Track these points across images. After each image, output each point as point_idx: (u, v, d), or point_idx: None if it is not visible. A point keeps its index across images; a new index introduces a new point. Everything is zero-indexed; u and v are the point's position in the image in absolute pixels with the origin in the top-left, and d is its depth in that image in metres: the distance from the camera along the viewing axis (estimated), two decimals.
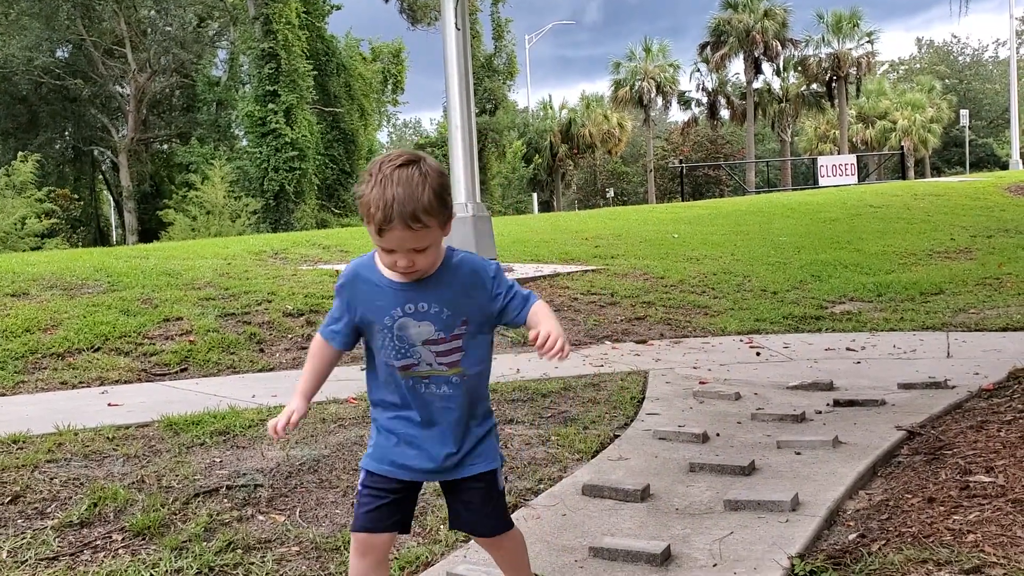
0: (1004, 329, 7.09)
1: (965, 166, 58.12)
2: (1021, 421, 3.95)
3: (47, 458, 3.88)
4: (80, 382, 5.69)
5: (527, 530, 3.33)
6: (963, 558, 2.64)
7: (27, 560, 2.98)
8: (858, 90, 53.23)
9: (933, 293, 9.17)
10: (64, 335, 6.47)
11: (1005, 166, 39.27)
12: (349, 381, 5.73)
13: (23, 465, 3.78)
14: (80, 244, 37.74)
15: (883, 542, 2.93)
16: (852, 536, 3.08)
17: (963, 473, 3.38)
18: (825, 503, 3.37)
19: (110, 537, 3.17)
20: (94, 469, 3.81)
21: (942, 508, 3.07)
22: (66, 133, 44.92)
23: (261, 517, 3.39)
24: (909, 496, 3.30)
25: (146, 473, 3.76)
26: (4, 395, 5.42)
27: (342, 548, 3.14)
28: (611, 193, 60.06)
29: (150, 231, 39.17)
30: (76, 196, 42.86)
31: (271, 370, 6.24)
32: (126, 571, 2.90)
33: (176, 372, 6.07)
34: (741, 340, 7.22)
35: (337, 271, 9.41)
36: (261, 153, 37.35)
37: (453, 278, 2.23)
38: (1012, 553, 2.63)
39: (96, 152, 46.50)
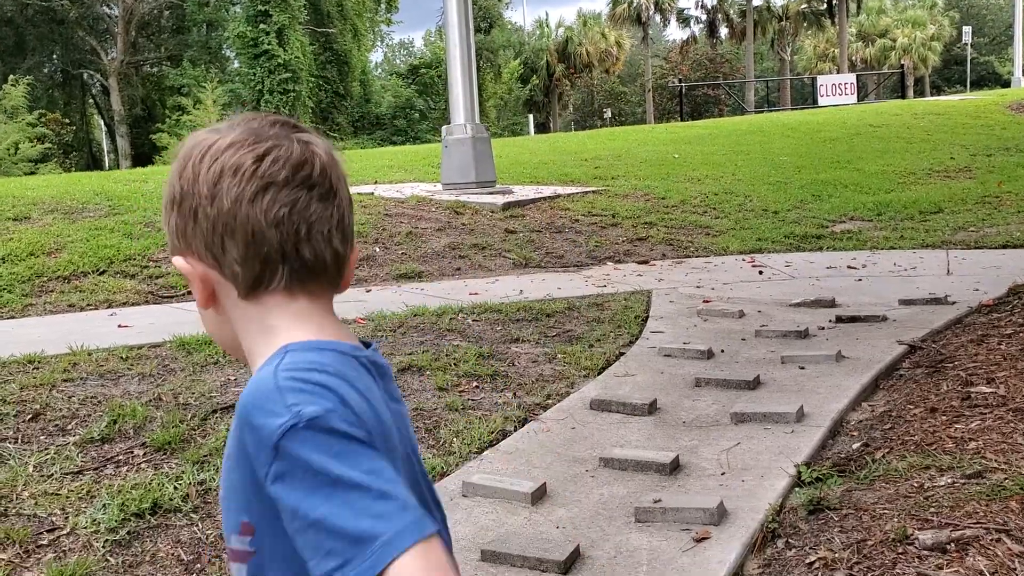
0: (1004, 246, 7.13)
1: (966, 85, 57.46)
2: (1021, 334, 4.02)
3: (63, 377, 3.94)
4: (88, 304, 5.73)
5: (538, 442, 3.41)
6: (965, 464, 2.72)
7: (52, 475, 3.06)
8: (858, 7, 52.26)
9: (933, 212, 9.19)
10: (69, 258, 6.49)
11: (1006, 84, 38.83)
12: (357, 302, 5.79)
13: (41, 384, 3.84)
14: (73, 169, 37.40)
15: (887, 450, 3.01)
16: (856, 445, 3.16)
17: (964, 384, 3.45)
18: (829, 414, 3.45)
19: (131, 452, 3.25)
20: (110, 388, 3.87)
21: (944, 418, 3.15)
22: (54, 56, 44.18)
23: None
24: (911, 407, 3.38)
25: (162, 391, 3.82)
26: (14, 317, 5.46)
27: None
28: (608, 114, 59.41)
29: (143, 155, 38.81)
30: (67, 120, 42.33)
31: None
32: (150, 483, 2.97)
33: (183, 295, 6.10)
34: (743, 259, 7.26)
35: None
36: (254, 75, 36.82)
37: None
38: (1013, 459, 2.71)
39: (86, 76, 45.76)
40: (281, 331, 1.00)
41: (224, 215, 0.97)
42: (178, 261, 1.02)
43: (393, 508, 0.83)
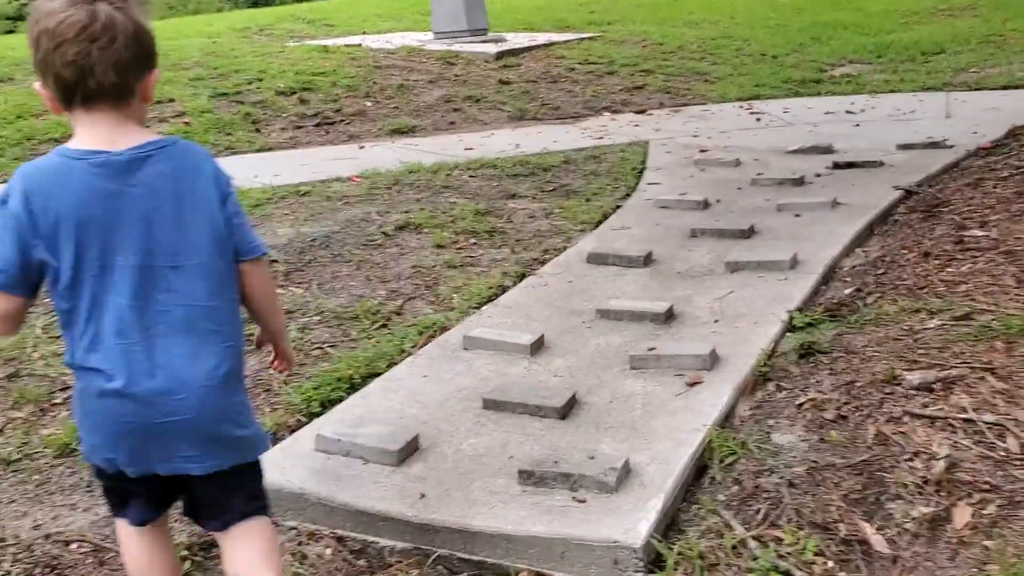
0: (1004, 88, 7.03)
1: None
2: (1017, 177, 4.02)
3: None
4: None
5: (536, 297, 3.47)
6: (954, 306, 2.78)
7: (60, 335, 3.12)
8: None
9: (935, 53, 8.99)
10: (57, 120, 6.39)
11: None
12: (351, 160, 5.75)
13: None
14: None
15: (879, 295, 3.07)
16: (849, 291, 3.22)
17: (958, 228, 3.48)
18: (823, 261, 3.50)
19: None
20: None
21: (936, 262, 3.20)
22: None
23: (280, 290, 3.51)
24: (905, 252, 3.41)
25: None
26: (4, 182, 5.43)
27: (361, 317, 3.29)
28: None
29: None
30: None
31: (269, 150, 6.22)
32: None
33: None
34: (741, 106, 7.16)
35: (325, 46, 9.16)
36: None
37: None
38: (1001, 300, 2.77)
39: None
40: (75, 136, 1.56)
41: (40, 60, 1.51)
42: (36, 85, 1.56)
43: None
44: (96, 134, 1.53)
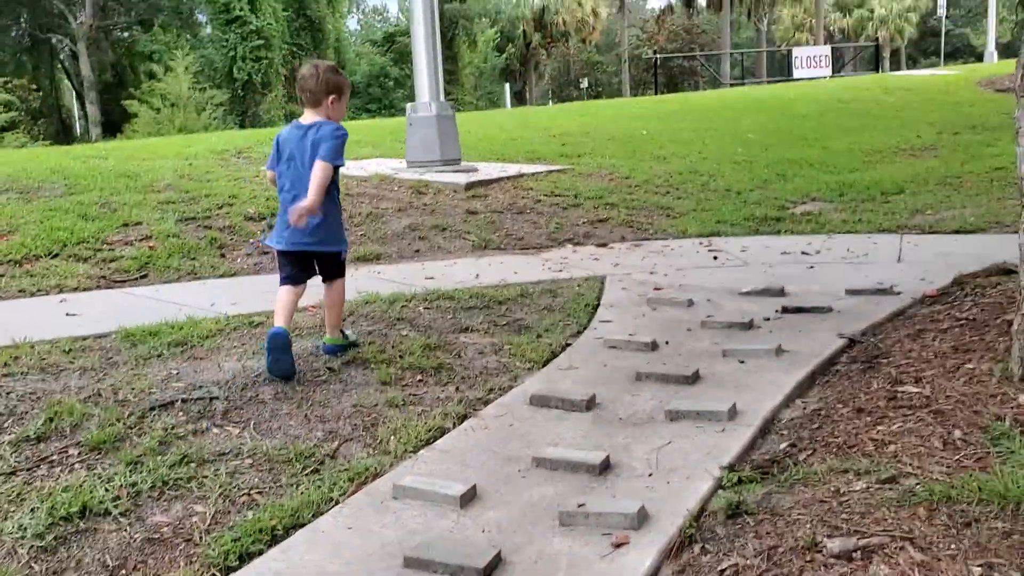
0: (957, 232, 7.21)
1: (940, 57, 57.63)
2: (956, 330, 4.09)
3: (3, 372, 3.93)
4: (38, 290, 5.69)
5: (475, 441, 3.45)
6: (881, 468, 2.78)
7: None
8: None
9: (894, 193, 9.26)
10: (21, 241, 6.43)
11: (980, 57, 38.99)
12: (311, 287, 5.77)
13: None
14: (41, 136, 36.87)
15: (810, 452, 3.07)
16: (783, 445, 3.22)
17: (893, 383, 3.51)
18: (761, 413, 3.51)
19: (66, 452, 3.26)
20: (51, 383, 3.86)
21: (869, 418, 3.21)
22: (21, 20, 43.34)
23: (216, 430, 3.48)
24: (840, 406, 3.44)
25: (103, 387, 3.82)
26: None
27: (294, 460, 3.25)
28: (585, 84, 59.13)
29: (113, 123, 38.30)
30: (35, 87, 41.68)
31: (233, 275, 6.26)
32: (81, 486, 2.99)
33: (136, 279, 6.07)
34: (700, 243, 7.30)
35: None
36: (227, 41, 36.33)
37: None
38: (927, 463, 2.78)
39: (54, 40, 44.99)
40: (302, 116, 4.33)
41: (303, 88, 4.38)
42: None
43: None
44: (306, 117, 4.22)
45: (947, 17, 55.43)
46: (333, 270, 4.34)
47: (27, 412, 3.55)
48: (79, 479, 3.04)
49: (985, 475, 2.63)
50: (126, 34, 44.71)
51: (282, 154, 4.18)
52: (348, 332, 4.53)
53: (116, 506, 2.91)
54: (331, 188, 4.14)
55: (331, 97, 4.14)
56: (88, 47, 40.14)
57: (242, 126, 33.46)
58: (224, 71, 36.40)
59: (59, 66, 47.41)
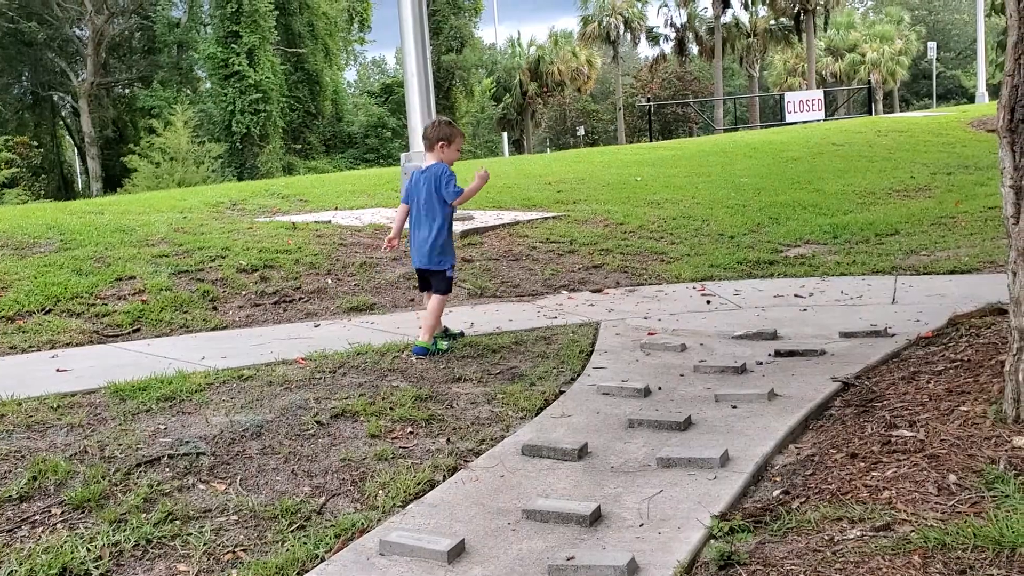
0: (951, 272, 7.21)
1: (933, 98, 58.20)
2: (950, 372, 4.05)
3: None
4: (30, 346, 5.67)
5: (465, 493, 3.40)
6: (875, 515, 2.73)
7: None
8: (826, 23, 52.90)
9: (888, 234, 9.27)
10: (14, 297, 6.42)
11: (972, 98, 39.37)
12: (303, 339, 5.76)
13: None
14: (43, 192, 37.15)
15: (803, 499, 3.02)
16: (776, 492, 3.17)
17: (888, 427, 3.47)
18: (753, 459, 3.46)
19: (49, 511, 3.21)
20: (36, 440, 3.82)
21: (863, 464, 3.17)
22: (23, 78, 43.89)
23: (202, 486, 3.43)
24: (834, 451, 3.39)
25: (89, 443, 3.78)
26: None
27: (280, 516, 3.20)
28: (581, 132, 59.65)
29: (114, 177, 38.60)
30: (36, 143, 42.04)
31: (224, 328, 6.24)
32: (63, 546, 2.94)
33: (128, 333, 6.05)
34: (694, 287, 7.29)
35: (294, 223, 9.36)
36: (226, 96, 36.70)
37: None
38: (921, 509, 2.73)
39: (56, 97, 45.52)
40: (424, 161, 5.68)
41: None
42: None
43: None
44: (427, 160, 5.50)
45: (938, 60, 56.14)
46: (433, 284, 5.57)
47: (11, 471, 3.50)
48: (60, 539, 2.99)
49: (980, 521, 2.58)
50: (127, 90, 45.25)
51: (411, 192, 5.49)
52: (442, 340, 5.44)
53: (97, 567, 2.85)
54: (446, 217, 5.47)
55: (440, 143, 5.38)
56: (89, 104, 40.60)
57: (240, 178, 33.69)
58: (223, 124, 36.75)
59: (60, 123, 47.90)
